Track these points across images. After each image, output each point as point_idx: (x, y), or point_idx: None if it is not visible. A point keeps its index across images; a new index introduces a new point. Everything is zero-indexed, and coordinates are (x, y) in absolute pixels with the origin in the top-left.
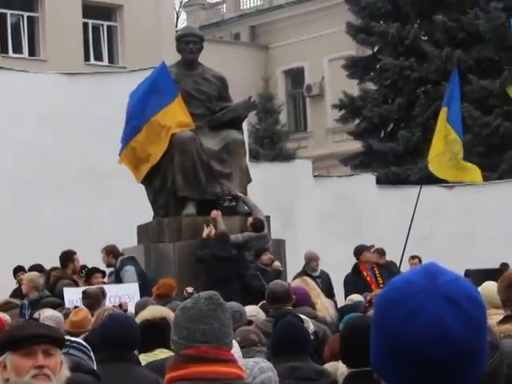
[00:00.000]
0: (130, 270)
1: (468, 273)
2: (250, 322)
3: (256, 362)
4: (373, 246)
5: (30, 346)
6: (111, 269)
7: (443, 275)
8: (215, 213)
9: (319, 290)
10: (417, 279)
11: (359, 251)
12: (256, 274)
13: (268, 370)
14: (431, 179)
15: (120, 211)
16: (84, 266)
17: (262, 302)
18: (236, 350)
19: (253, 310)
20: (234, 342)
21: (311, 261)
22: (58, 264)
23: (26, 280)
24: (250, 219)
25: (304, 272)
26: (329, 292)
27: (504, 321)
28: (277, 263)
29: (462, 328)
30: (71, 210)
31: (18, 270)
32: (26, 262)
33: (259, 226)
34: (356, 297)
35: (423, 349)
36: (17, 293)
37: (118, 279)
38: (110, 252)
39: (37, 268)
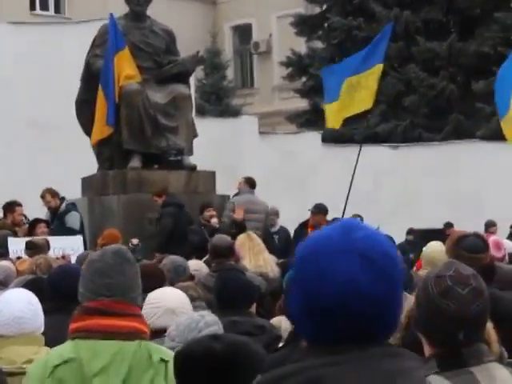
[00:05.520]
0: (75, 216)
1: (410, 231)
2: (192, 277)
3: (202, 315)
4: (322, 211)
5: None
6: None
7: (358, 230)
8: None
9: (263, 245)
10: (332, 234)
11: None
12: (197, 229)
13: (214, 324)
14: (376, 139)
15: (64, 163)
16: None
17: (206, 257)
18: (186, 302)
19: (196, 264)
20: (184, 295)
21: (269, 215)
22: None
23: None
24: (242, 178)
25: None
26: (287, 248)
27: None
28: (214, 220)
29: (375, 284)
30: (14, 160)
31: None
32: None
33: (253, 181)
34: None
35: (338, 305)
36: None
37: (61, 222)
38: (55, 194)
39: None
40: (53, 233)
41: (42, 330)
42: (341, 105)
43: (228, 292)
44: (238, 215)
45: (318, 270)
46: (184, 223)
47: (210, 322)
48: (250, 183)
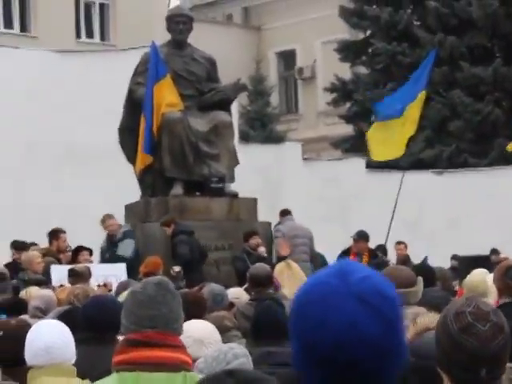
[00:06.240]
0: (126, 244)
1: (454, 257)
2: (231, 305)
3: (230, 347)
4: (364, 239)
5: None
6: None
7: (354, 273)
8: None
9: (302, 273)
10: (328, 279)
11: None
12: (240, 256)
13: (243, 356)
14: (421, 164)
15: (107, 190)
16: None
17: (246, 285)
18: (214, 333)
19: (236, 293)
20: (212, 326)
21: (313, 239)
22: (42, 242)
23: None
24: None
25: None
26: None
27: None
28: (261, 249)
29: (375, 328)
30: (58, 187)
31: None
32: (10, 241)
33: (287, 210)
34: None
35: (340, 353)
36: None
37: (116, 247)
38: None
39: (21, 245)
40: (108, 261)
41: (73, 361)
42: (388, 142)
43: (262, 323)
44: (285, 252)
45: (315, 319)
46: (196, 250)
47: (238, 354)
48: (287, 213)
